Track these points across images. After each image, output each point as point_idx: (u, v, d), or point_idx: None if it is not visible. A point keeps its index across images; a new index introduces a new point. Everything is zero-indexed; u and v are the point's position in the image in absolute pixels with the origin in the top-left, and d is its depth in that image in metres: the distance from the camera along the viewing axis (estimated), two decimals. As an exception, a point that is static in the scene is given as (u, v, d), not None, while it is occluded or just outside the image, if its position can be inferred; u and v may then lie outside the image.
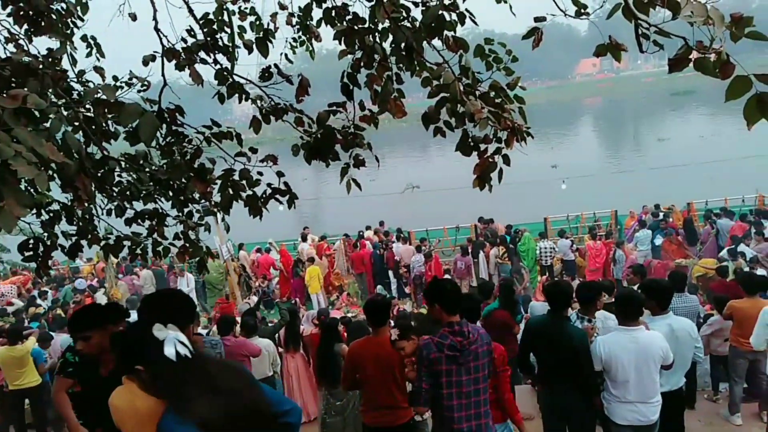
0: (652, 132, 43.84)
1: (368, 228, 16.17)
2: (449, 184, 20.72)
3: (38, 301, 13.16)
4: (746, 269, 9.06)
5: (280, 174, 3.75)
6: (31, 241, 3.75)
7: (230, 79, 3.46)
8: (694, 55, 2.22)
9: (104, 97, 2.57)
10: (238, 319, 7.27)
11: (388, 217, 17.03)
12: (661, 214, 14.06)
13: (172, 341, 1.95)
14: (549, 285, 4.32)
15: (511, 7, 3.14)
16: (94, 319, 2.87)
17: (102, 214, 3.92)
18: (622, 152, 38.25)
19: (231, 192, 3.67)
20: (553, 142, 42.28)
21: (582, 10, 2.63)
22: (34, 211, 3.77)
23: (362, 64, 3.29)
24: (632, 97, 74.52)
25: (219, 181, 3.66)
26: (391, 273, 13.78)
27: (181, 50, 3.16)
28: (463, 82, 3.07)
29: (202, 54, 3.31)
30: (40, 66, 2.73)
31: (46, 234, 3.85)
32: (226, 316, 6.58)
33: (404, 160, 46.10)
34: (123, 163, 3.64)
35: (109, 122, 3.43)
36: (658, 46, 2.34)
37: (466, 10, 2.88)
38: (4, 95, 1.98)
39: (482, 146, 3.18)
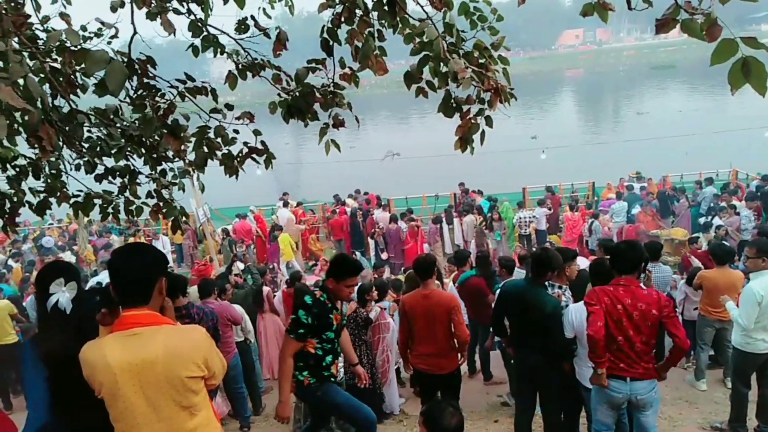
0: (631, 105, 44.14)
1: (350, 196, 16.14)
2: (429, 152, 20.65)
3: (10, 262, 12.93)
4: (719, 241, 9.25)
5: (257, 132, 3.64)
6: (-3, 198, 3.63)
7: (204, 31, 3.31)
8: (682, 16, 2.18)
9: (69, 43, 2.42)
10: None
11: (368, 184, 16.94)
12: (639, 186, 14.24)
13: (57, 296, 2.52)
14: (538, 251, 4.34)
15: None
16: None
17: (71, 170, 3.78)
18: (601, 124, 38.50)
19: (206, 150, 3.56)
20: (534, 112, 42.31)
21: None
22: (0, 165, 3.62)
23: (343, 19, 3.17)
24: (613, 69, 74.72)
25: (193, 139, 3.54)
26: (370, 240, 13.78)
27: (152, -3, 3.00)
28: (446, 41, 2.98)
29: (175, 3, 3.15)
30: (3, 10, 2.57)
31: (12, 190, 3.71)
32: (207, 279, 6.55)
33: (385, 127, 45.80)
34: (92, 118, 3.49)
35: (77, 74, 3.28)
36: (647, 3, 2.29)
37: (451, -37, 2.78)
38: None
39: (465, 107, 3.11)
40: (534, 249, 11.59)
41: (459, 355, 4.59)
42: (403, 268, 12.34)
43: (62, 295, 2.53)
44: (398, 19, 3.06)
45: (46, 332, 2.58)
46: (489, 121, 3.10)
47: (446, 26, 3.01)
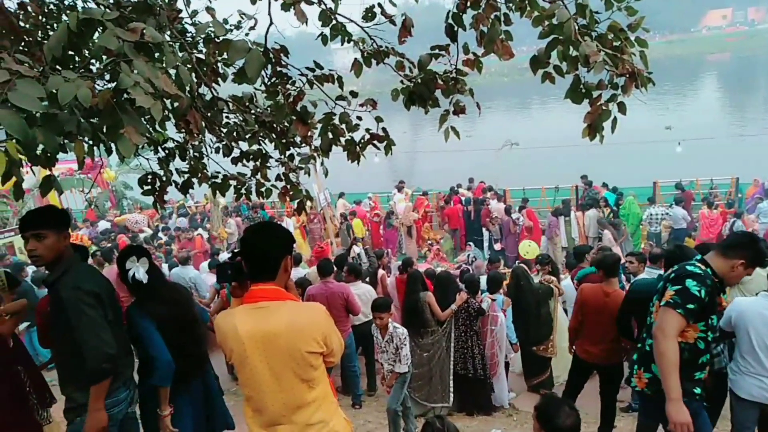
0: (788, 92, 39.16)
1: (459, 186, 16.09)
2: (550, 142, 19.85)
3: (160, 234, 14.41)
4: None
5: (378, 119, 3.72)
6: (149, 177, 4.05)
7: (333, 20, 3.43)
8: None
9: (213, 35, 2.63)
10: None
11: (484, 173, 16.64)
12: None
13: (133, 270, 3.18)
14: (673, 248, 4.03)
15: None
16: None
17: (211, 153, 4.12)
18: (749, 114, 34.59)
19: (331, 136, 3.70)
20: (669, 101, 38.96)
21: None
22: (152, 147, 4.04)
23: (469, 4, 3.13)
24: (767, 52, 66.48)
25: (320, 125, 3.70)
26: (484, 230, 13.59)
27: (288, -11, 3.17)
28: (578, 23, 2.83)
29: (308, -6, 3.29)
30: (158, 5, 2.85)
31: (162, 170, 4.12)
32: (326, 259, 6.88)
33: (503, 116, 44.54)
34: (230, 105, 3.77)
35: (219, 63, 3.55)
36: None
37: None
38: (126, 29, 2.07)
39: (595, 93, 2.95)
40: (664, 246, 10.76)
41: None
42: (517, 261, 12.04)
43: (137, 269, 3.18)
44: (527, 1, 2.96)
45: (148, 297, 3.26)
46: (622, 108, 2.91)
47: (578, 7, 2.85)
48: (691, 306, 2.85)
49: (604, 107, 2.88)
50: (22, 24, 3.46)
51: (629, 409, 5.67)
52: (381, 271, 8.17)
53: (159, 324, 3.22)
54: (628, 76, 2.76)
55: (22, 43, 3.31)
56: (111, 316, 2.93)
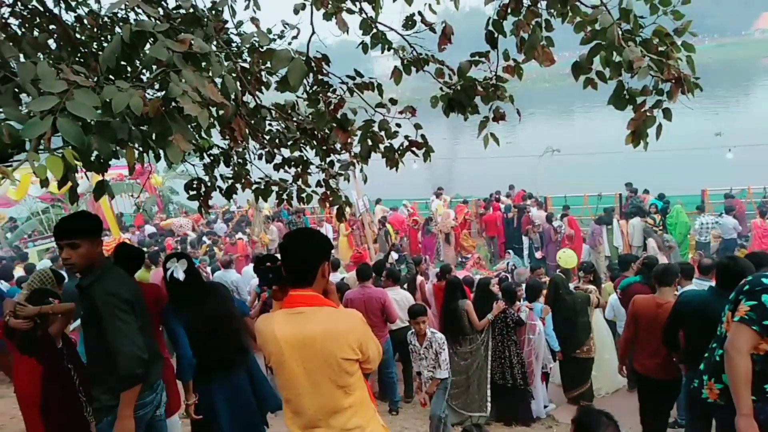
0: None
1: (498, 192, 15.91)
2: (592, 149, 19.46)
3: (204, 238, 14.74)
4: None
5: (417, 126, 3.74)
6: (195, 182, 4.17)
7: (374, 29, 3.48)
8: None
9: (257, 44, 2.71)
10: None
11: (524, 180, 16.41)
12: None
13: (171, 269, 3.44)
14: (725, 259, 3.86)
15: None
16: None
17: (254, 159, 4.22)
18: (807, 120, 33.02)
19: (370, 143, 3.74)
20: (719, 107, 37.60)
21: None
22: (198, 154, 4.16)
23: (509, 10, 3.12)
24: (827, 55, 63.44)
25: (359, 132, 3.74)
26: (524, 238, 13.40)
27: (329, -1, 3.23)
28: (622, 28, 2.78)
29: (349, 3, 3.35)
30: (206, 17, 2.95)
31: (207, 176, 4.25)
32: (365, 264, 6.94)
33: (544, 122, 43.83)
34: (273, 112, 3.86)
35: (262, 72, 3.64)
36: None
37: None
38: (175, 41, 2.16)
39: (639, 99, 2.88)
40: (714, 257, 10.37)
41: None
42: (558, 270, 11.82)
43: (176, 269, 3.44)
44: (569, 7, 2.93)
45: (181, 299, 3.50)
46: (667, 114, 2.84)
47: (622, 12, 2.80)
48: (767, 322, 2.79)
49: (648, 114, 2.82)
50: (78, 36, 3.65)
51: (675, 425, 5.48)
52: (419, 278, 8.17)
53: (192, 322, 3.42)
54: (674, 81, 2.70)
55: (79, 54, 3.48)
56: (140, 322, 2.96)
